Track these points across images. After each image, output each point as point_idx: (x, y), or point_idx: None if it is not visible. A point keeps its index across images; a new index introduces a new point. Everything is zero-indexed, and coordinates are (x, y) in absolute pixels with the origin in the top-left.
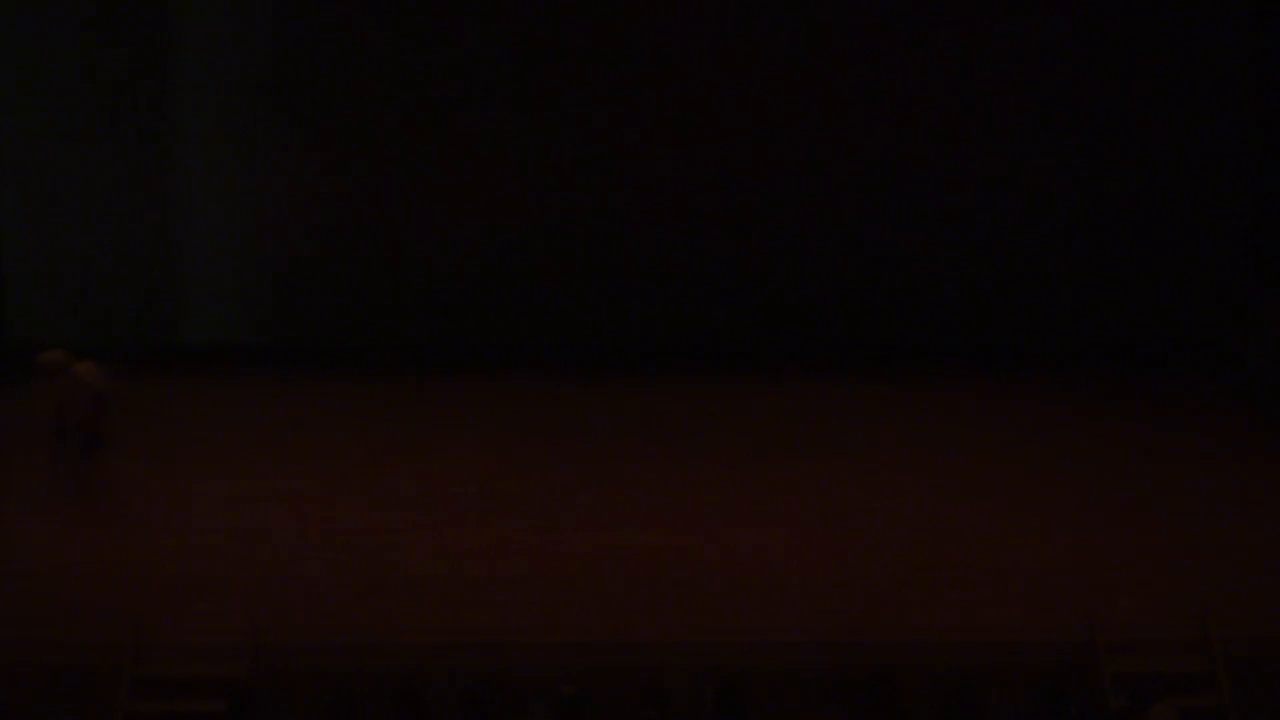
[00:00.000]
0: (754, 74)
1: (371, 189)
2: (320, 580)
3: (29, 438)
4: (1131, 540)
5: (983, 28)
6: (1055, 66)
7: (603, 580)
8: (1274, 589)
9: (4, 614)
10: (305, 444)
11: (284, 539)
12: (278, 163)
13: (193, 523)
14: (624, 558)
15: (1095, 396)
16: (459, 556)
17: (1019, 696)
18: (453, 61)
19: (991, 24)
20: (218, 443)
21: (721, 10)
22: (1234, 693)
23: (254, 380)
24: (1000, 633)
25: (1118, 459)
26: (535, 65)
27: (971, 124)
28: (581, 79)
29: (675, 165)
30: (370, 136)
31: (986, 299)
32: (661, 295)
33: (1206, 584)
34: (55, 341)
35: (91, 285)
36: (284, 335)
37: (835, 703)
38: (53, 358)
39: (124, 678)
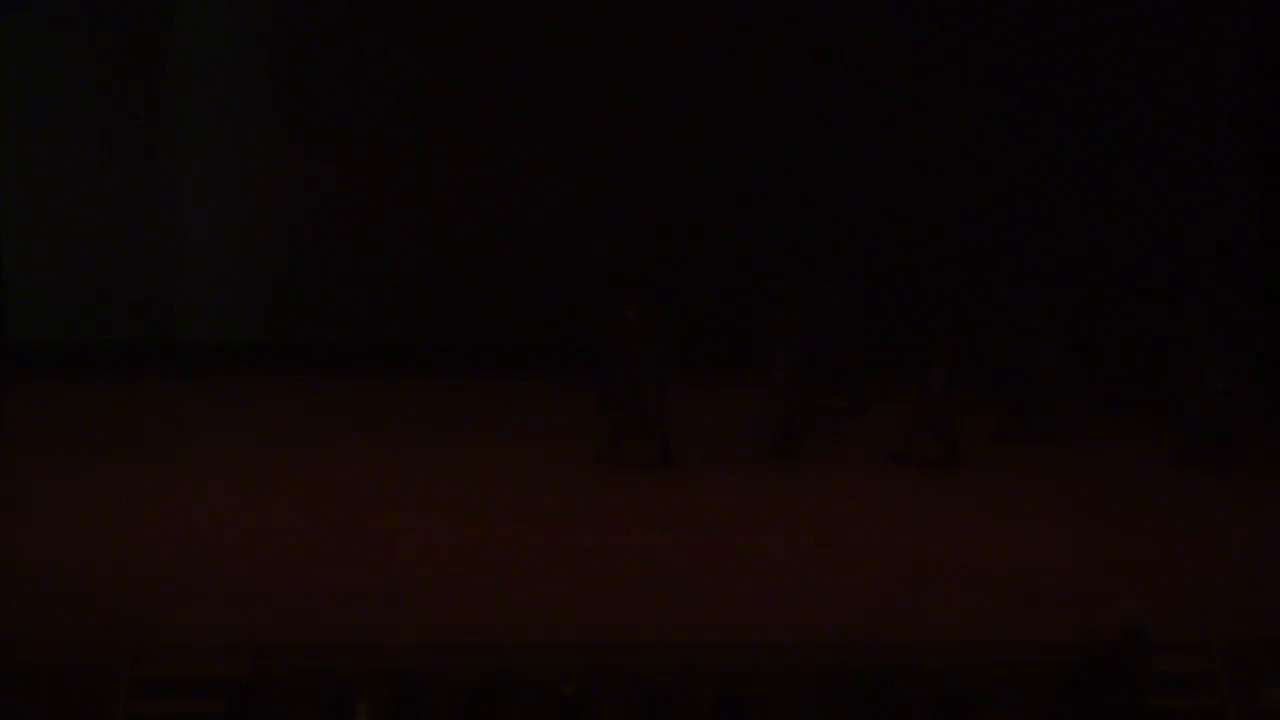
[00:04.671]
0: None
1: (372, 188)
2: (320, 580)
3: (29, 438)
4: (1131, 540)
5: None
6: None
7: (603, 580)
8: (1274, 589)
9: (4, 614)
10: (305, 443)
11: (285, 539)
12: (278, 162)
13: (193, 523)
14: (624, 558)
15: (1087, 395)
16: (459, 556)
17: (1019, 696)
18: (453, 62)
19: None
20: (218, 443)
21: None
22: (1234, 693)
23: (254, 380)
24: (1000, 633)
25: (1117, 458)
26: (533, 67)
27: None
28: (576, 81)
29: (667, 163)
30: (371, 136)
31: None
32: (660, 293)
33: (1206, 584)
34: (55, 342)
35: (92, 285)
36: (284, 335)
37: (835, 703)
38: None
39: (123, 678)
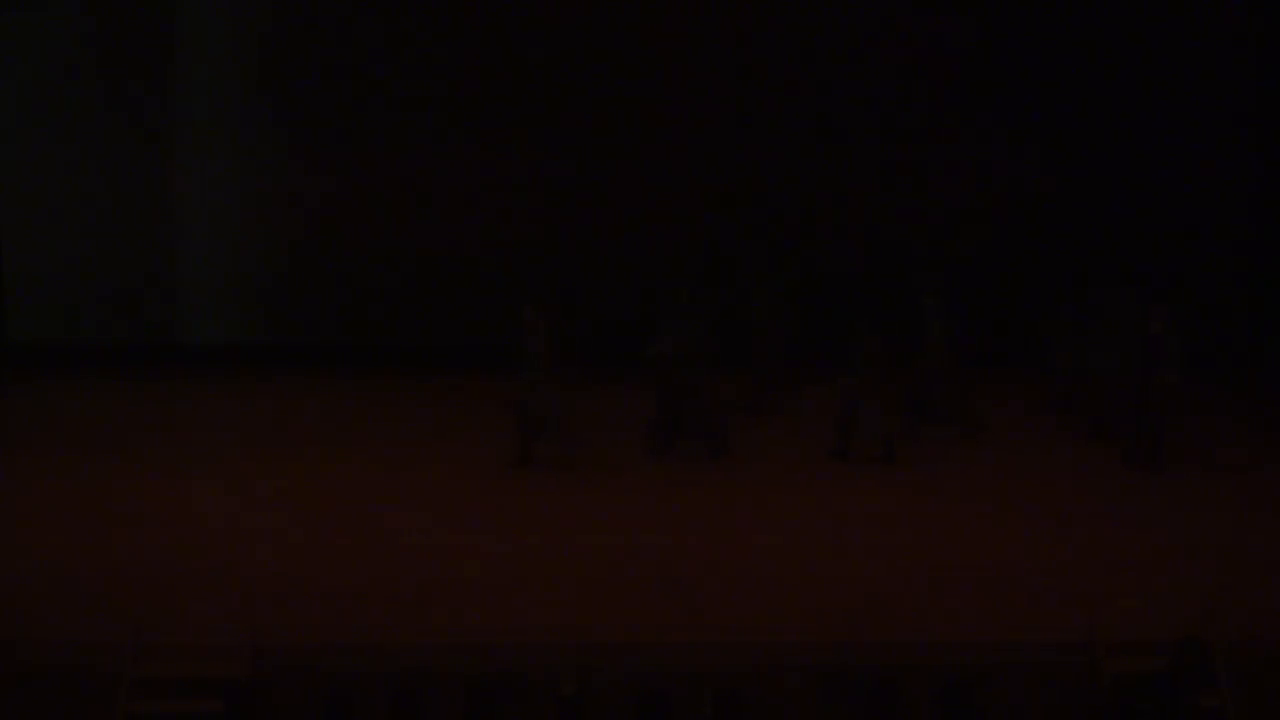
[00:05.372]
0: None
1: (371, 189)
2: (320, 580)
3: (29, 438)
4: (1131, 541)
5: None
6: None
7: (603, 580)
8: (1274, 589)
9: (4, 614)
10: (304, 443)
11: (284, 539)
12: (277, 163)
13: (193, 523)
14: (624, 558)
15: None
16: (458, 556)
17: (1019, 696)
18: (448, 65)
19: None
20: (217, 443)
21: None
22: (1234, 693)
23: (254, 380)
24: (1000, 633)
25: (1117, 458)
26: (526, 70)
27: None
28: (569, 84)
29: (662, 167)
30: (368, 137)
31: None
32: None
33: (1206, 584)
34: (55, 342)
35: (91, 285)
36: (284, 335)
37: (835, 703)
38: None
39: (123, 678)
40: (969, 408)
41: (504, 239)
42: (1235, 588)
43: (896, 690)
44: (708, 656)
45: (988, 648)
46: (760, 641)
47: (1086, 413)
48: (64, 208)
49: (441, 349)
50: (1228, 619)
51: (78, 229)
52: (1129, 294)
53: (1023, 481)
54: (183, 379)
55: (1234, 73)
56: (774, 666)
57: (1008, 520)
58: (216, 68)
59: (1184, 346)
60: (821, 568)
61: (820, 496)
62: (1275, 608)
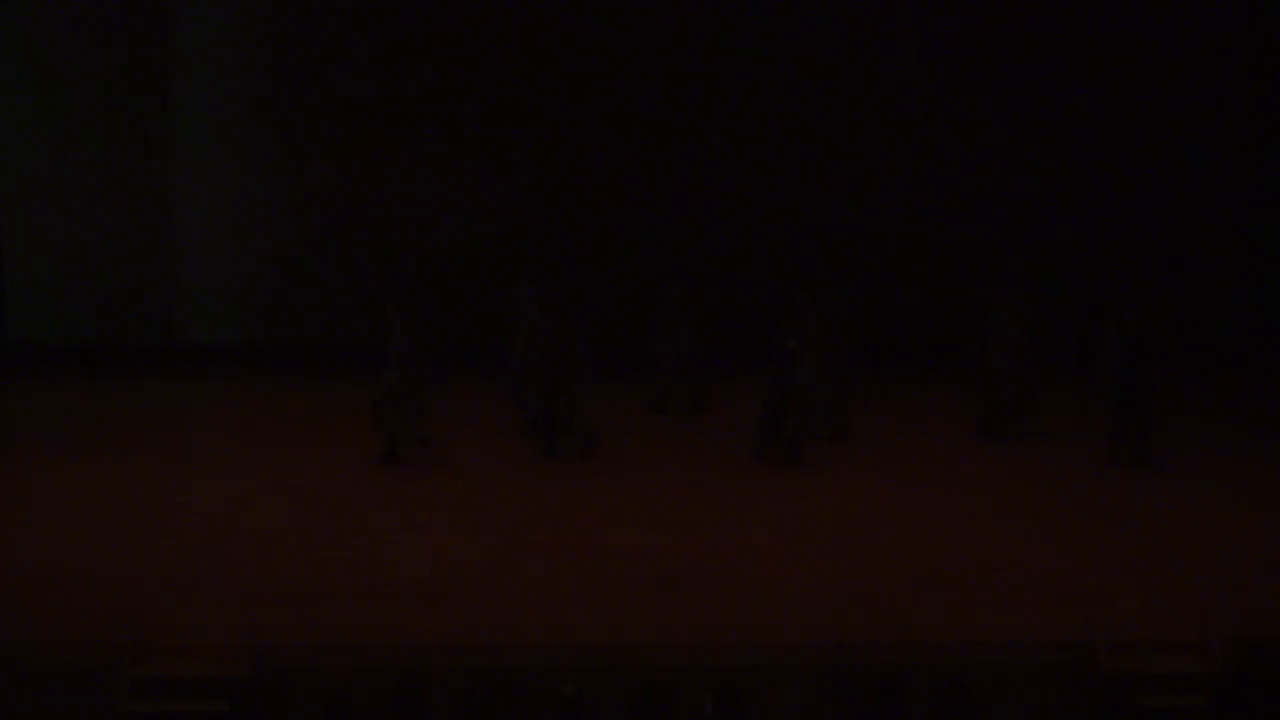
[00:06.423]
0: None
1: (371, 190)
2: (320, 580)
3: (30, 438)
4: (1131, 541)
5: None
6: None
7: (603, 580)
8: (1274, 589)
9: (4, 614)
10: (305, 443)
11: (285, 539)
12: (277, 164)
13: (193, 522)
14: (624, 558)
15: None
16: (458, 556)
17: (1019, 696)
18: (444, 67)
19: None
20: (218, 443)
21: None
22: (1233, 693)
23: (254, 380)
24: (1000, 633)
25: (1107, 457)
26: (519, 72)
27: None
28: (560, 86)
29: (662, 164)
30: (366, 138)
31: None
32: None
33: (1206, 584)
34: (55, 341)
35: (91, 285)
36: (284, 335)
37: (835, 703)
38: None
39: (124, 678)
40: (839, 408)
41: (502, 239)
42: (1235, 587)
43: (896, 690)
44: (708, 656)
45: (988, 648)
46: (760, 641)
47: (994, 410)
48: (64, 208)
49: (440, 349)
50: (1228, 618)
51: (78, 229)
52: (1018, 292)
53: (1022, 481)
54: (183, 379)
55: (1234, 70)
56: (774, 666)
57: (1008, 520)
58: (216, 70)
59: (1164, 344)
60: (822, 568)
61: (820, 497)
62: (1275, 607)
